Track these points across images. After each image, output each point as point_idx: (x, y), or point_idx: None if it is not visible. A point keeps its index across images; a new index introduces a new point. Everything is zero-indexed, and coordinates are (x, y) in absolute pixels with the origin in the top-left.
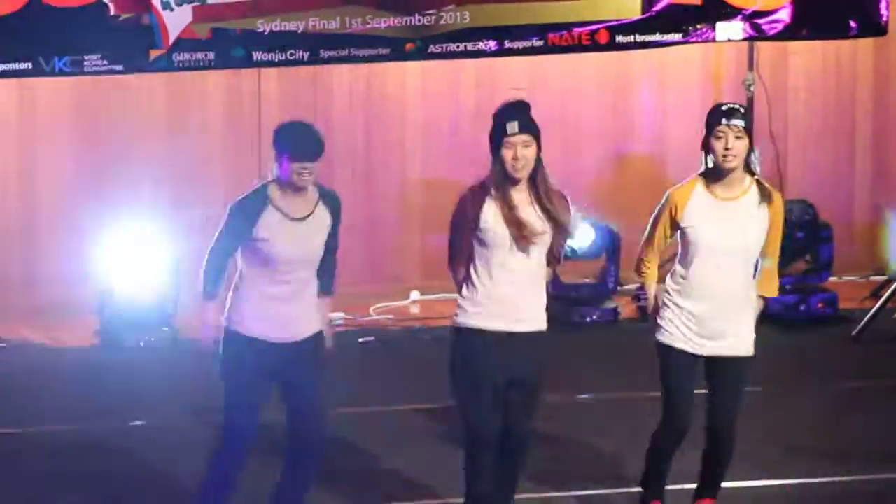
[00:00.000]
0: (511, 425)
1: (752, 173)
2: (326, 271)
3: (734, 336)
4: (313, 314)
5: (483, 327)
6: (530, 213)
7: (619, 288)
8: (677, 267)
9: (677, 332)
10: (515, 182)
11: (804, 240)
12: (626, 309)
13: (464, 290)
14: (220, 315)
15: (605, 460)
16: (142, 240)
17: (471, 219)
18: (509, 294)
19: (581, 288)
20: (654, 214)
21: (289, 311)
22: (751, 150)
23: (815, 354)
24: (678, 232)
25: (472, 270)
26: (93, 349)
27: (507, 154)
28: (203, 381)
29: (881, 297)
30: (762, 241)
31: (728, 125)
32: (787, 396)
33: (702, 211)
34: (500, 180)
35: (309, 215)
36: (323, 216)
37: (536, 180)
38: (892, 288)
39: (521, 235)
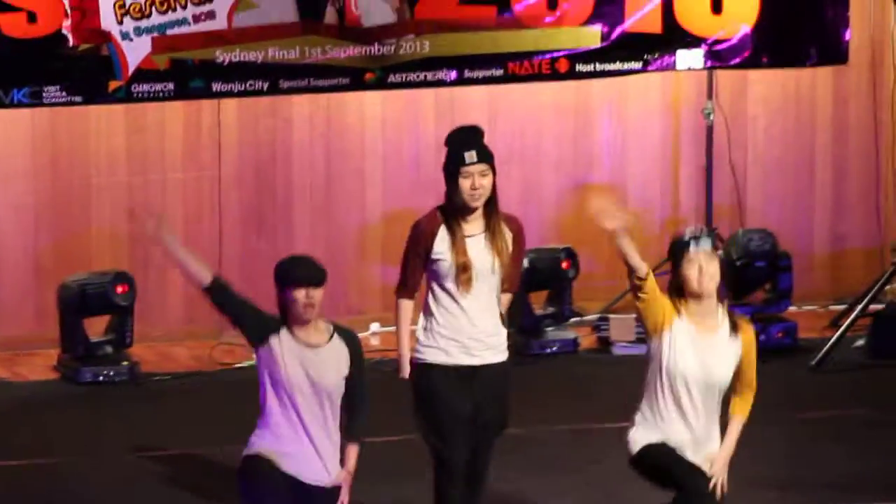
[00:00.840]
0: (473, 459)
1: (722, 302)
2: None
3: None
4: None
5: (441, 362)
6: (480, 245)
7: (578, 319)
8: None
9: None
10: (471, 211)
11: (764, 269)
12: (586, 340)
13: (421, 321)
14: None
15: (567, 491)
16: (102, 272)
17: (424, 248)
18: (464, 325)
19: (540, 319)
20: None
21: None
22: (722, 278)
23: (775, 384)
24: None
25: (429, 301)
26: (52, 384)
27: (464, 184)
28: (161, 416)
29: (841, 326)
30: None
31: (695, 252)
32: (746, 427)
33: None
34: (455, 209)
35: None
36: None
37: (490, 209)
38: (852, 317)
39: (464, 278)
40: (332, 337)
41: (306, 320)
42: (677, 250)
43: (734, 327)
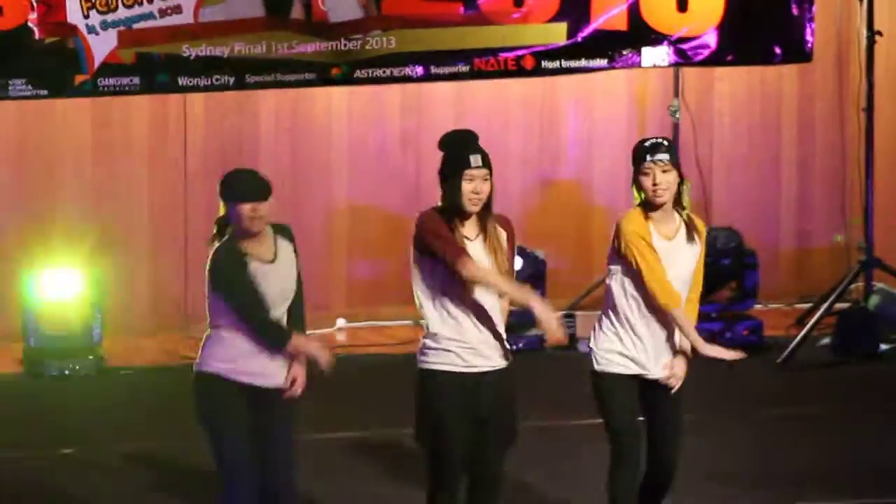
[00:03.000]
0: (483, 466)
1: (683, 208)
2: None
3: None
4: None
5: (448, 368)
6: (478, 248)
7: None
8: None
9: None
10: (468, 215)
11: (729, 267)
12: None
13: (425, 327)
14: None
15: (531, 486)
16: (67, 264)
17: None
18: (469, 329)
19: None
20: (639, 250)
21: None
22: (681, 182)
23: (740, 382)
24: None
25: (431, 306)
26: (17, 377)
27: (466, 187)
28: (128, 410)
29: (806, 324)
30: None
31: (653, 161)
32: (712, 424)
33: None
34: (452, 212)
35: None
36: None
37: (484, 213)
38: (817, 316)
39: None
40: (276, 241)
41: (254, 233)
42: (635, 158)
43: (692, 231)
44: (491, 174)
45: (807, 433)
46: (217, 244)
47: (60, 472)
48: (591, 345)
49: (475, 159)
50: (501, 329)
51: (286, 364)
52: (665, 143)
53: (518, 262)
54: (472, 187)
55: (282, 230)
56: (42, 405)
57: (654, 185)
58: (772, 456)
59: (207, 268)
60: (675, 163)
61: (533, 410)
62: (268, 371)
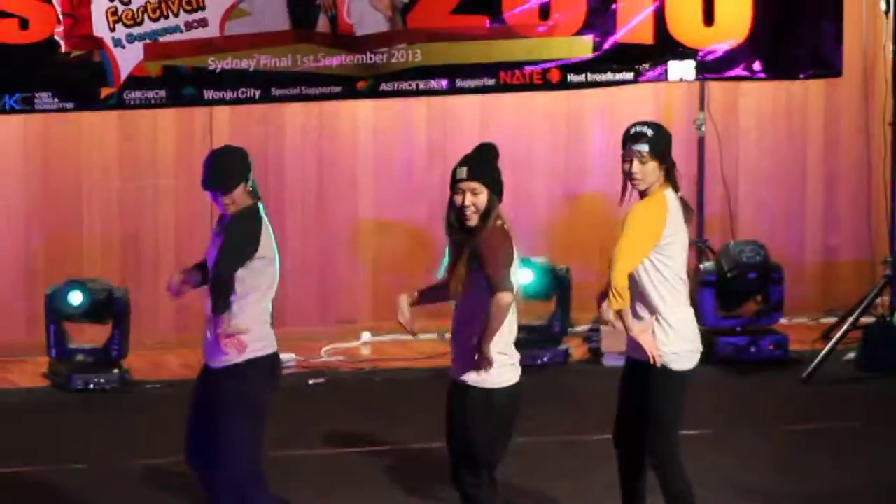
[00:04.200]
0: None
1: (676, 189)
2: None
3: None
4: None
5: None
6: (463, 264)
7: (569, 329)
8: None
9: None
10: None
11: (755, 281)
12: (577, 351)
13: None
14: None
15: (554, 501)
16: (93, 279)
17: None
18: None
19: (530, 330)
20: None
21: None
22: (667, 167)
23: (766, 397)
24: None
25: None
26: (43, 390)
27: (458, 200)
28: (152, 424)
29: (831, 339)
30: None
31: (630, 150)
32: (737, 438)
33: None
34: (448, 224)
35: None
36: None
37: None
38: (843, 330)
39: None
40: None
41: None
42: (622, 142)
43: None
44: (488, 185)
45: (832, 448)
46: None
47: (83, 486)
48: (667, 347)
49: (460, 171)
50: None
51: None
52: (648, 132)
53: (527, 274)
54: (461, 200)
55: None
56: (67, 419)
57: (631, 174)
58: (796, 470)
59: None
60: (660, 150)
61: (559, 424)
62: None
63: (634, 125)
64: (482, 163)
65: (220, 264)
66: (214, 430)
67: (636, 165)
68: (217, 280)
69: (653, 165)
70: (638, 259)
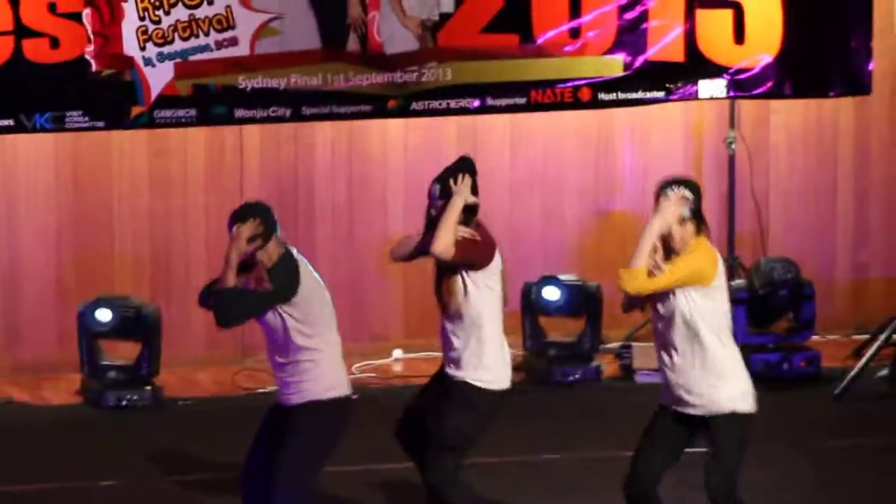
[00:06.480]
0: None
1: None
2: None
3: None
4: None
5: None
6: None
7: (601, 346)
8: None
9: None
10: None
11: (786, 298)
12: (609, 368)
13: None
14: None
15: None
16: (124, 296)
17: None
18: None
19: (563, 347)
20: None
21: None
22: (699, 217)
23: (798, 413)
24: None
25: None
26: (76, 408)
27: (433, 213)
28: (185, 441)
29: (863, 356)
30: None
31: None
32: (770, 456)
33: None
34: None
35: None
36: None
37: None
38: (875, 347)
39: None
40: None
41: None
42: (655, 199)
43: None
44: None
45: (866, 465)
46: None
47: (116, 502)
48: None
49: (434, 189)
50: (453, 341)
51: None
52: (689, 196)
53: (555, 293)
54: (435, 216)
55: None
56: (100, 435)
57: (670, 236)
58: (828, 487)
59: None
60: (696, 212)
61: (587, 440)
62: None
63: (670, 186)
64: (451, 179)
65: (246, 299)
66: (279, 460)
67: (677, 230)
68: (232, 305)
69: (690, 228)
70: (674, 286)
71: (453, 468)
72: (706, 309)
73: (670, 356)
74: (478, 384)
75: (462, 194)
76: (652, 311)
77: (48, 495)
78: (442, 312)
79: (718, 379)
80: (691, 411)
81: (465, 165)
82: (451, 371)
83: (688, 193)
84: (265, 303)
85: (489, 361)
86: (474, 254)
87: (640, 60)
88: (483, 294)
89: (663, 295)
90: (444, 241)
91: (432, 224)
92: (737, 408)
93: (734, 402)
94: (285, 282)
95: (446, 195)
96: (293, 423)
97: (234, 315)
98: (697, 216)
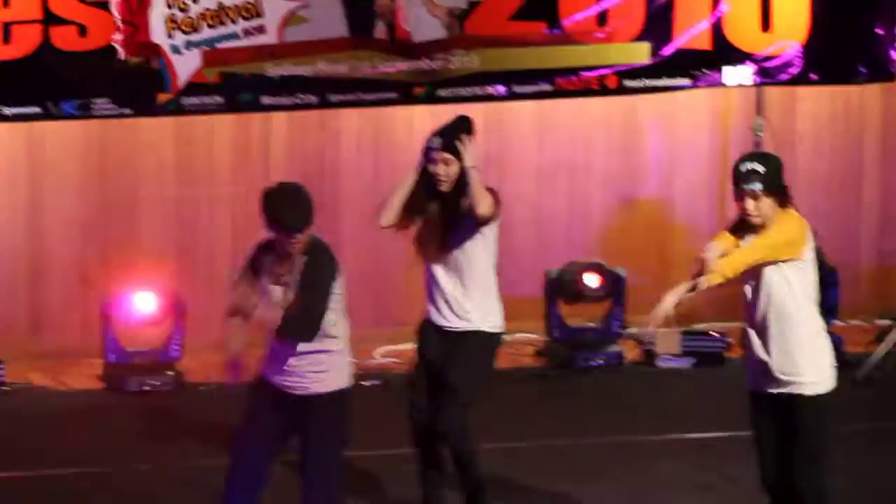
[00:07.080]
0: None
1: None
2: None
3: None
4: None
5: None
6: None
7: (623, 332)
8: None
9: None
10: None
11: None
12: (631, 353)
13: None
14: None
15: (609, 502)
16: (148, 283)
17: None
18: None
19: (585, 332)
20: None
21: None
22: (779, 190)
23: None
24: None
25: None
26: (97, 393)
27: (430, 167)
28: (206, 425)
29: (885, 341)
30: None
31: (743, 189)
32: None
33: None
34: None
35: None
36: None
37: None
38: None
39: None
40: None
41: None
42: (732, 180)
43: None
44: (457, 156)
45: (886, 449)
46: None
47: (136, 487)
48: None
49: (435, 141)
50: (457, 295)
51: None
52: (760, 168)
53: (595, 280)
54: (434, 170)
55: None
56: (121, 420)
57: (747, 212)
58: (850, 471)
59: None
60: (775, 184)
61: (610, 425)
62: None
63: (743, 162)
64: (455, 136)
65: (315, 305)
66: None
67: (751, 204)
68: (311, 318)
69: (769, 202)
70: (764, 260)
71: (465, 416)
72: (798, 284)
73: (763, 335)
74: (493, 330)
75: (472, 157)
76: (745, 290)
77: (70, 479)
78: (434, 263)
79: (812, 356)
80: (783, 390)
81: (466, 125)
82: (459, 325)
83: (758, 167)
84: (324, 299)
85: (494, 307)
86: (499, 203)
87: (666, 48)
88: (489, 244)
89: (755, 272)
90: (488, 202)
91: (429, 181)
92: (820, 390)
93: (822, 383)
94: (328, 269)
95: (454, 153)
96: (322, 415)
97: (314, 328)
98: (777, 189)
